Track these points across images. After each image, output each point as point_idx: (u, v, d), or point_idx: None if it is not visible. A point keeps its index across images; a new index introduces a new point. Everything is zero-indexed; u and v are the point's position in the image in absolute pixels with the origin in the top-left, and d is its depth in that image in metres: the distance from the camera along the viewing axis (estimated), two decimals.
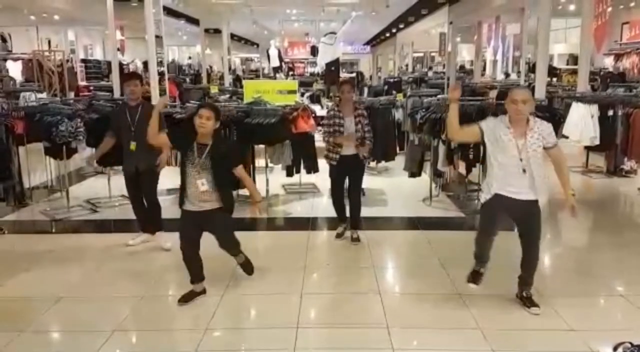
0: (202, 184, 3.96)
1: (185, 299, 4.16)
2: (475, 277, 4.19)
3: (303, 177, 7.45)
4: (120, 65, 14.02)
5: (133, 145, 5.00)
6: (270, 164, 7.20)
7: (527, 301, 4.03)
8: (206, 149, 3.98)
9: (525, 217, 3.93)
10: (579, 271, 4.89)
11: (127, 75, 5.51)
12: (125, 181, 5.30)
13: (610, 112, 7.63)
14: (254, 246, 5.64)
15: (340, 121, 5.31)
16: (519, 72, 17.81)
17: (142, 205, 5.33)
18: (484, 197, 3.99)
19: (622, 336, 3.42)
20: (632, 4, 15.03)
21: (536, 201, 3.85)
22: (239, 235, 5.94)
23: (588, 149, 8.39)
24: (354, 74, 23.17)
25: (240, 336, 3.79)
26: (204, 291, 4.27)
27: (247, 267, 4.57)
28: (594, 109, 7.58)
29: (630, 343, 3.25)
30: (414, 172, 7.22)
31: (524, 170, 3.74)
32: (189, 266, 4.20)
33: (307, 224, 6.24)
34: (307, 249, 5.40)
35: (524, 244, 3.98)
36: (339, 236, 5.64)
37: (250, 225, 6.55)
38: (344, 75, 21.18)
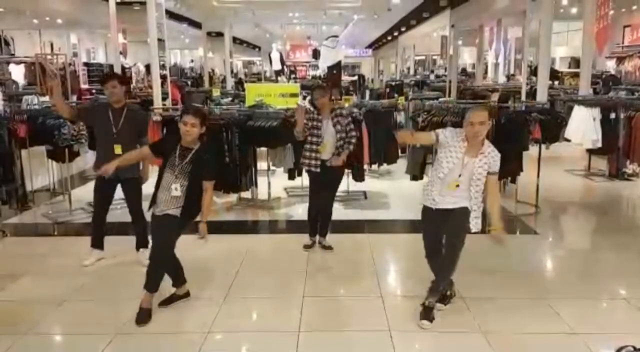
0: (175, 189, 3.89)
1: (166, 302, 4.16)
2: (426, 312, 3.92)
3: (305, 180, 7.44)
4: (123, 68, 14.03)
5: (119, 148, 4.78)
6: (272, 167, 7.20)
7: (424, 310, 3.91)
8: (190, 153, 3.92)
9: (451, 221, 3.90)
10: (581, 274, 4.89)
11: (106, 76, 5.18)
12: (98, 188, 4.98)
13: (612, 115, 7.62)
14: (255, 249, 5.64)
15: (318, 124, 5.17)
16: (512, 75, 17.86)
17: (105, 218, 5.11)
18: (423, 203, 4.04)
19: (625, 339, 3.41)
20: (634, 7, 15.02)
21: (465, 208, 3.85)
22: (243, 237, 6.01)
23: (590, 152, 8.38)
24: (355, 77, 23.21)
25: (242, 340, 3.79)
26: (187, 295, 4.24)
27: (142, 312, 3.98)
28: (596, 112, 7.57)
29: (633, 347, 3.25)
30: (416, 175, 7.21)
31: (457, 186, 3.79)
32: (167, 271, 4.14)
33: (309, 227, 6.22)
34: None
35: (446, 244, 3.98)
36: (307, 247, 5.46)
37: (252, 228, 6.56)
38: (345, 78, 21.22)
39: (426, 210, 3.99)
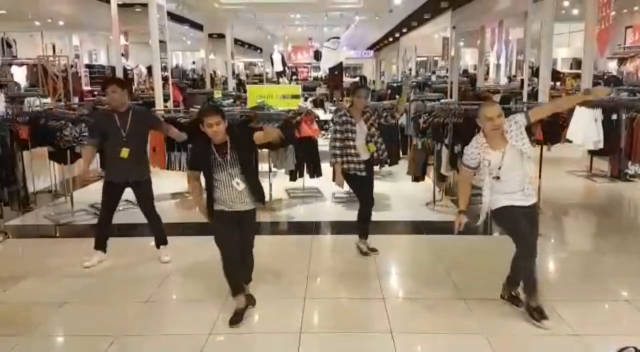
0: (237, 183, 3.88)
1: (236, 319, 3.93)
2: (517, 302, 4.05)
3: (306, 181, 7.45)
4: (125, 70, 14.08)
5: (125, 152, 4.78)
6: (273, 169, 7.21)
7: (539, 313, 3.88)
8: (227, 146, 3.88)
9: (531, 220, 3.94)
10: (583, 276, 4.88)
11: (105, 81, 5.20)
12: (109, 192, 4.98)
13: (614, 116, 7.61)
14: (257, 250, 5.63)
15: (353, 127, 5.07)
16: (514, 76, 17.86)
17: (111, 222, 5.13)
18: (487, 212, 3.97)
19: (627, 340, 3.41)
20: (636, 8, 15.03)
21: (534, 205, 3.92)
22: None
23: (592, 153, 8.36)
24: (357, 78, 23.24)
25: (244, 341, 3.79)
26: (251, 302, 4.10)
27: (250, 299, 4.12)
28: (598, 113, 7.55)
29: (635, 348, 3.25)
30: (418, 177, 7.21)
31: (498, 178, 3.79)
32: (231, 275, 3.96)
33: (310, 228, 6.23)
34: (310, 253, 5.39)
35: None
36: (373, 250, 5.30)
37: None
38: (346, 79, 21.23)
39: (506, 209, 3.84)
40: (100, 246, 5.16)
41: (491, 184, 3.85)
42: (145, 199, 5.06)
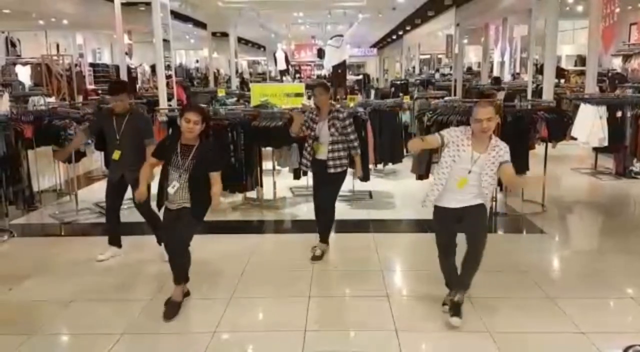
0: (173, 186, 3.93)
1: (169, 313, 4.07)
2: (455, 309, 3.89)
3: (310, 179, 7.44)
4: (128, 69, 14.05)
5: (117, 154, 4.91)
6: (277, 167, 7.21)
7: (453, 307, 3.89)
8: (191, 151, 3.93)
9: (467, 220, 3.86)
10: (588, 274, 4.86)
11: (114, 89, 5.08)
12: (108, 188, 5.15)
13: (619, 114, 7.59)
14: (261, 249, 5.65)
15: (313, 125, 5.09)
16: (518, 73, 17.77)
17: (117, 216, 5.22)
18: (427, 204, 3.95)
19: (632, 338, 3.41)
20: None
21: (481, 205, 3.83)
22: (248, 237, 6.01)
23: (597, 150, 8.34)
24: (360, 76, 23.21)
25: (248, 339, 3.79)
26: (187, 293, 4.24)
27: (173, 305, 4.06)
28: (603, 110, 7.54)
29: None
30: (422, 175, 7.19)
31: (466, 183, 3.75)
32: (172, 267, 4.12)
33: (314, 226, 6.21)
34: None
35: (468, 242, 3.88)
36: (315, 258, 5.17)
37: (258, 228, 6.57)
38: (350, 77, 21.22)
39: (438, 209, 3.92)
40: (114, 241, 5.25)
41: (443, 177, 3.81)
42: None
